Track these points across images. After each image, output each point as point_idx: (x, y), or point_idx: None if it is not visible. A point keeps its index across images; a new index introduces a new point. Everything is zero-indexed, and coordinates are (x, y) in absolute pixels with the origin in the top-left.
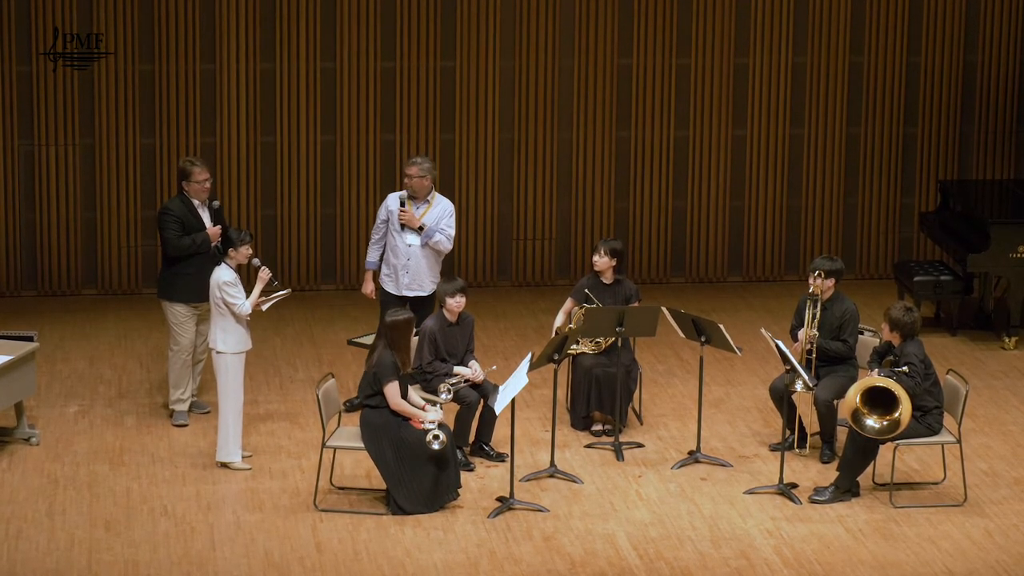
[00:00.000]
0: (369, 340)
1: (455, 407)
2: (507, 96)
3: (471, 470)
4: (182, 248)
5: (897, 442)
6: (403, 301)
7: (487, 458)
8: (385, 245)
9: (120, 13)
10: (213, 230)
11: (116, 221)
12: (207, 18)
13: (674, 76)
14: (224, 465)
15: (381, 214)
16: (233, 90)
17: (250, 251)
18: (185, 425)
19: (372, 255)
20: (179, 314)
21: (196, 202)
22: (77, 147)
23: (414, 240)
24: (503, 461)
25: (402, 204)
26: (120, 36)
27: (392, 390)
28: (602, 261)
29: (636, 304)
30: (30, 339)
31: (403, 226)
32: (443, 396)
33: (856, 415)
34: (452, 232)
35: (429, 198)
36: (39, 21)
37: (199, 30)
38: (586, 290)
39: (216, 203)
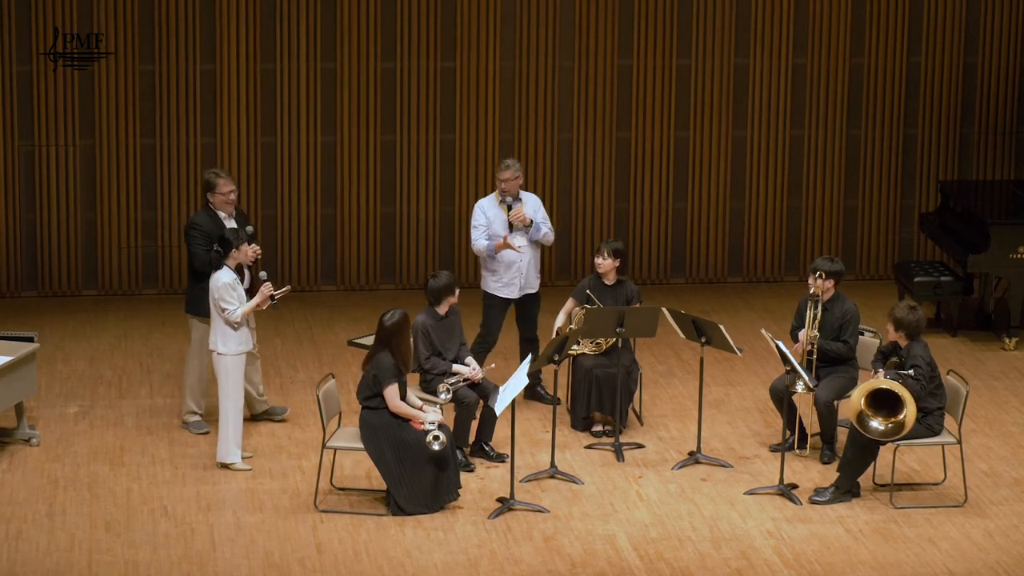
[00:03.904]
0: (369, 340)
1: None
2: (507, 96)
3: (471, 470)
4: (212, 262)
5: (897, 443)
6: (522, 301)
7: (487, 458)
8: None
9: (120, 13)
10: (239, 253)
11: (116, 221)
12: (207, 18)
13: (674, 77)
14: (224, 466)
15: (481, 219)
16: (233, 90)
17: (257, 249)
18: (207, 432)
19: (484, 240)
20: (208, 330)
21: (222, 214)
22: (77, 147)
23: (522, 241)
24: (503, 461)
25: (510, 207)
26: (120, 36)
27: (392, 392)
28: (606, 263)
29: (637, 305)
30: (30, 340)
31: (511, 227)
32: (442, 396)
33: (861, 417)
34: (549, 222)
35: (521, 196)
36: (39, 21)
37: (199, 30)
38: (587, 291)
39: (250, 228)
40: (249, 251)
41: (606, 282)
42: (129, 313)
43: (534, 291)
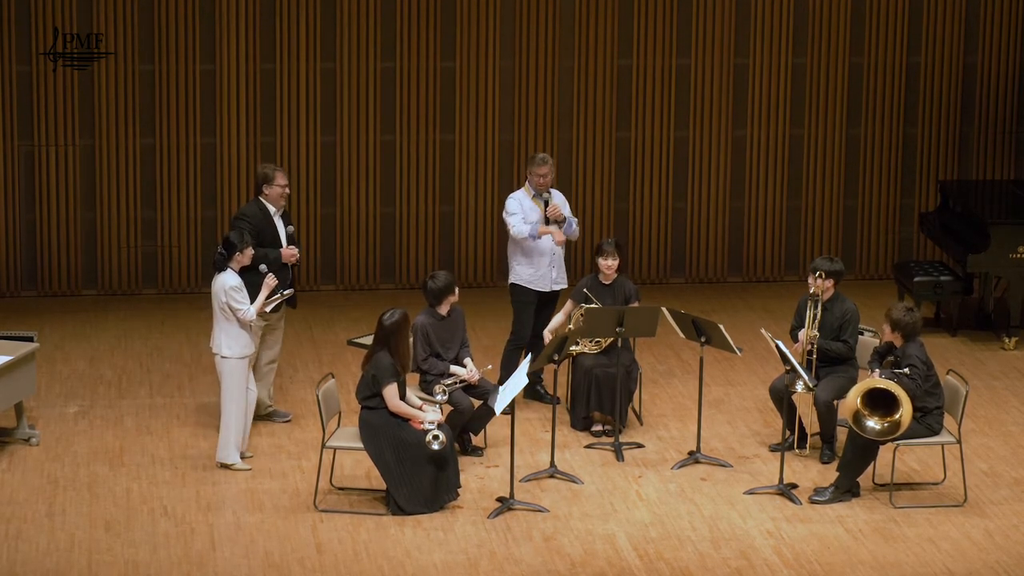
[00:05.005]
0: (369, 340)
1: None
2: (507, 96)
3: (480, 455)
4: (255, 257)
5: (897, 442)
6: (548, 298)
7: (463, 448)
8: (519, 247)
9: (120, 13)
10: (287, 251)
11: (116, 221)
12: (207, 18)
13: (674, 76)
14: (224, 466)
15: (516, 208)
16: (233, 90)
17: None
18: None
19: (525, 225)
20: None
21: (272, 209)
22: (77, 147)
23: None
24: (479, 456)
25: (546, 203)
26: (120, 36)
27: (390, 392)
28: (615, 263)
29: (636, 304)
30: (30, 339)
31: (548, 222)
32: (438, 397)
33: (857, 416)
34: (575, 219)
35: (551, 192)
36: (39, 21)
37: (199, 30)
38: (585, 290)
39: (291, 228)
40: (287, 252)
41: (604, 281)
42: (129, 313)
43: (564, 286)
